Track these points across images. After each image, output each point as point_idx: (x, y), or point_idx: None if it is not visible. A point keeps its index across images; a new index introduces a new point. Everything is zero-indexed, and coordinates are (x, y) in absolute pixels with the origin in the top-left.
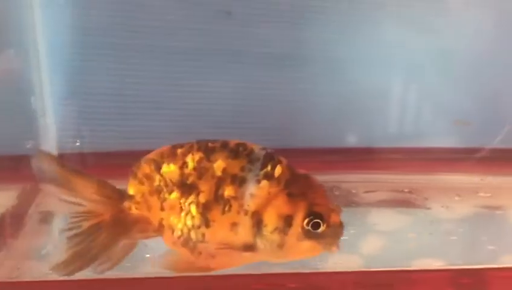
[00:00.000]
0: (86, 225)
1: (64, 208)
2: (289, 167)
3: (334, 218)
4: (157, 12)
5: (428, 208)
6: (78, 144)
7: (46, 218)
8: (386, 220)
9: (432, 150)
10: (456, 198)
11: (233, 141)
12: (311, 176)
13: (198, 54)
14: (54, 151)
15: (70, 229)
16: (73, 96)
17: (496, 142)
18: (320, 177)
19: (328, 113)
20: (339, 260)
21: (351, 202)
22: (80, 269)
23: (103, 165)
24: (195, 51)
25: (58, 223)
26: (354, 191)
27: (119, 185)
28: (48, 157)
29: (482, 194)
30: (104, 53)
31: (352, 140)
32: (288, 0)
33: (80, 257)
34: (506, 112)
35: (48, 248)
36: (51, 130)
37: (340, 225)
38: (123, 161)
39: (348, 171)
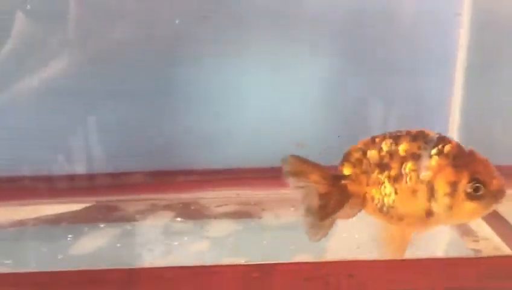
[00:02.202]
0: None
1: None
2: (458, 146)
3: (494, 184)
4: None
5: (260, 217)
6: None
7: None
8: (218, 228)
9: (277, 169)
10: (291, 209)
11: (415, 129)
12: (477, 152)
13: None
14: None
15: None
16: None
17: None
18: (183, 196)
19: (193, 140)
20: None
21: (204, 214)
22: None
23: None
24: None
25: None
26: (207, 206)
27: None
28: (294, 158)
29: None
30: None
31: (214, 163)
32: (158, 45)
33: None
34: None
35: None
36: None
37: (500, 190)
38: None
39: (208, 189)
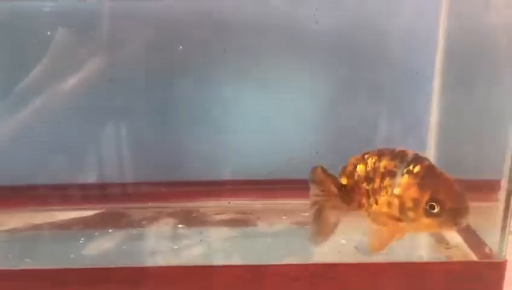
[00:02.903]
0: (321, 204)
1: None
2: (429, 167)
3: (450, 205)
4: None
5: (255, 225)
6: None
7: None
8: (217, 234)
9: (273, 181)
10: (283, 217)
11: (399, 149)
12: (445, 174)
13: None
14: None
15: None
16: None
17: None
18: (186, 204)
19: (196, 154)
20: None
21: (203, 221)
22: (323, 238)
23: None
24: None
25: None
26: (207, 214)
27: None
28: (319, 169)
29: (303, 214)
30: None
31: (215, 175)
32: (167, 67)
33: (321, 229)
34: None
35: None
36: None
37: (456, 212)
38: None
39: (209, 198)
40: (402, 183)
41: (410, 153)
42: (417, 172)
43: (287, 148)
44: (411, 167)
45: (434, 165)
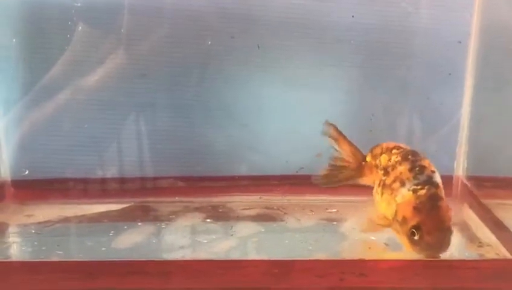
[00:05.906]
0: (339, 163)
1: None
2: (433, 196)
3: (428, 239)
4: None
5: (282, 220)
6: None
7: None
8: (244, 229)
9: (298, 176)
10: (310, 213)
11: (424, 161)
12: (443, 205)
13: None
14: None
15: (332, 160)
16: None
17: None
18: (208, 199)
19: (221, 149)
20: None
21: (231, 216)
22: (326, 184)
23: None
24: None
25: None
26: (234, 209)
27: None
28: (332, 126)
29: (329, 210)
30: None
31: (240, 170)
32: (191, 62)
33: (329, 178)
34: None
35: None
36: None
37: (431, 247)
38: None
39: (235, 193)
40: (405, 196)
41: (428, 171)
42: (420, 195)
43: (314, 143)
44: (419, 187)
45: (440, 196)
